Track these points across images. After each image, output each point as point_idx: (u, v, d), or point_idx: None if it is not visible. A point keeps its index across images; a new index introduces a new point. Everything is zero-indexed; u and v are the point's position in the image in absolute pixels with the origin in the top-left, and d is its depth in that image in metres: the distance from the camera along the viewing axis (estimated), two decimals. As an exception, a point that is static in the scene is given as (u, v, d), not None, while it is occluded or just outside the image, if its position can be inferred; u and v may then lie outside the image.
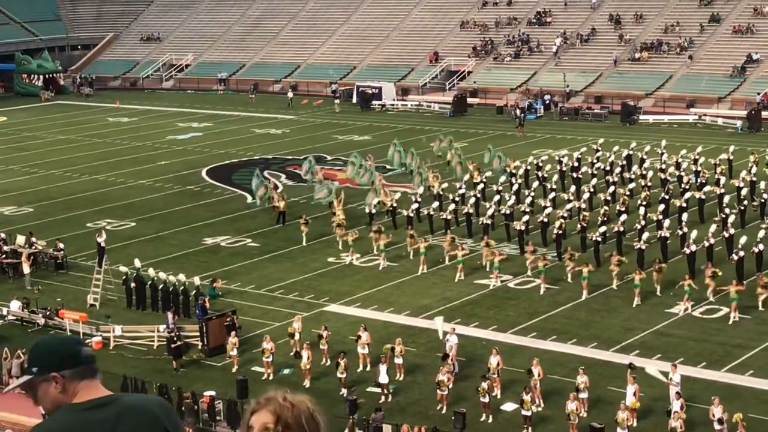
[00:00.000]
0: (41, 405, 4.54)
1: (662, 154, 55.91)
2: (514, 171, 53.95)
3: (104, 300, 39.69)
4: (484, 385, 28.97)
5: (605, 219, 44.06)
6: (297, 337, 33.53)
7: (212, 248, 46.39)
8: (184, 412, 29.44)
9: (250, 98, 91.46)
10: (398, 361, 31.77)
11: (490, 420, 29.00)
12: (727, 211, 44.71)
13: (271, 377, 32.12)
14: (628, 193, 48.75)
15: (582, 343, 33.91)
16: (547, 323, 35.83)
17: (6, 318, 38.58)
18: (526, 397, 28.21)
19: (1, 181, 62.21)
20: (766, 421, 28.23)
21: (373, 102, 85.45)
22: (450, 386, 29.80)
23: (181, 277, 38.71)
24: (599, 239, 41.74)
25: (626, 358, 31.76)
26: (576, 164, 54.88)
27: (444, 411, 29.41)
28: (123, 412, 4.35)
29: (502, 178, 52.43)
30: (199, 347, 34.57)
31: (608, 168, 53.60)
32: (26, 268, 42.65)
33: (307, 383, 31.18)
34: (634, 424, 27.85)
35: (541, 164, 54.54)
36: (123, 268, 39.96)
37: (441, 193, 50.17)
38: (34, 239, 45.19)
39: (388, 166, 58.83)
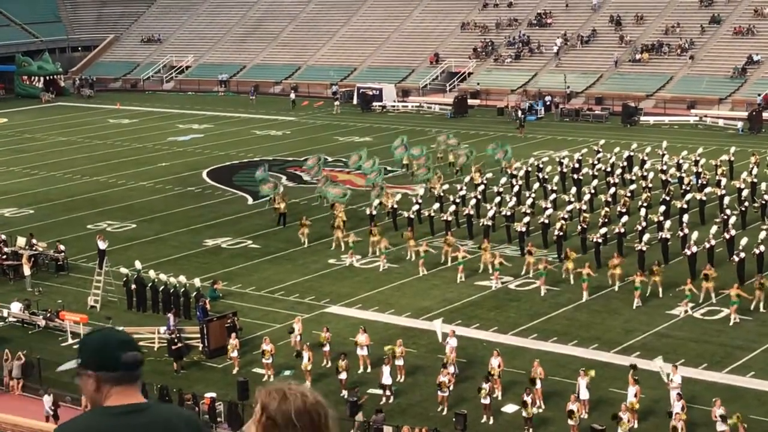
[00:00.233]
0: (83, 395, 4.54)
1: (663, 155, 55.88)
2: (514, 172, 53.94)
3: (105, 302, 39.68)
4: (485, 386, 28.96)
5: (606, 220, 44.03)
6: (298, 338, 33.53)
7: (213, 250, 46.39)
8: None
9: (251, 100, 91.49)
10: (399, 362, 31.76)
11: (491, 422, 28.98)
12: (728, 212, 44.69)
13: (271, 379, 32.12)
14: (628, 194, 48.73)
15: (583, 345, 33.90)
16: (548, 324, 35.81)
17: (7, 320, 38.57)
18: (527, 399, 28.18)
19: (2, 182, 62.20)
20: (767, 422, 28.22)
21: (374, 103, 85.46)
22: (451, 388, 29.80)
23: (182, 278, 38.70)
24: (600, 240, 41.74)
25: (627, 359, 31.76)
26: (577, 165, 54.88)
27: (445, 412, 29.40)
28: (150, 424, 4.36)
29: (503, 180, 52.36)
30: (200, 349, 34.57)
31: (609, 169, 53.57)
32: (27, 270, 42.65)
33: (307, 384, 31.08)
34: (635, 426, 27.84)
35: (541, 165, 54.50)
36: (124, 270, 39.97)
37: (442, 194, 50.17)
38: (34, 241, 45.18)
39: (389, 167, 58.76)
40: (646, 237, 40.99)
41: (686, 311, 36.06)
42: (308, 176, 58.21)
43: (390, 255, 42.97)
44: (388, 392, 30.56)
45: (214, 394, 30.42)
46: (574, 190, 50.23)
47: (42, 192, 58.98)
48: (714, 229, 41.79)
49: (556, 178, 52.40)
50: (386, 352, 31.48)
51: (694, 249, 39.76)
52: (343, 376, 30.90)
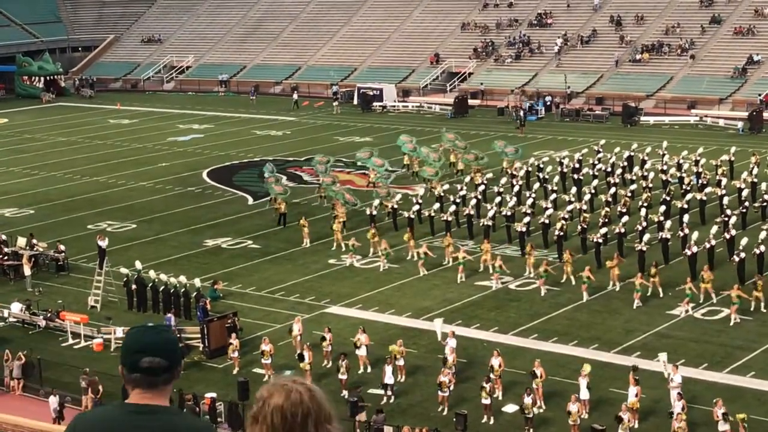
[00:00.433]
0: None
1: (663, 155, 55.86)
2: (515, 172, 53.94)
3: (105, 302, 39.68)
4: (486, 386, 28.95)
5: (606, 220, 44.03)
6: (298, 338, 33.53)
7: (213, 250, 46.39)
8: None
9: (251, 100, 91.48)
10: (399, 362, 31.75)
11: (492, 422, 28.98)
12: (728, 212, 44.67)
13: (271, 379, 32.08)
14: (629, 194, 48.72)
15: (583, 345, 33.89)
16: (548, 325, 35.81)
17: (7, 320, 38.57)
18: (528, 400, 28.17)
19: (2, 182, 62.21)
20: (767, 422, 28.21)
21: (374, 103, 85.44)
22: (451, 388, 29.80)
23: (182, 278, 38.70)
24: (600, 240, 41.74)
25: (627, 359, 31.76)
26: (577, 165, 54.87)
27: (445, 413, 29.40)
28: (156, 429, 4.33)
29: (503, 180, 52.34)
30: (200, 349, 34.57)
31: (609, 169, 53.55)
32: (27, 270, 42.65)
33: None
34: (636, 426, 27.84)
35: (542, 165, 54.50)
36: (124, 270, 39.97)
37: (442, 194, 50.17)
38: (35, 241, 45.19)
39: (390, 168, 58.69)
40: (646, 237, 40.98)
41: (687, 311, 36.06)
42: (310, 176, 58.11)
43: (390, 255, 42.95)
44: (389, 392, 30.56)
45: (214, 395, 30.42)
46: (574, 190, 50.22)
47: (42, 192, 58.98)
48: (714, 229, 41.77)
49: (557, 178, 52.39)
50: (390, 353, 31.47)
51: (695, 249, 39.75)
52: (343, 376, 30.90)
